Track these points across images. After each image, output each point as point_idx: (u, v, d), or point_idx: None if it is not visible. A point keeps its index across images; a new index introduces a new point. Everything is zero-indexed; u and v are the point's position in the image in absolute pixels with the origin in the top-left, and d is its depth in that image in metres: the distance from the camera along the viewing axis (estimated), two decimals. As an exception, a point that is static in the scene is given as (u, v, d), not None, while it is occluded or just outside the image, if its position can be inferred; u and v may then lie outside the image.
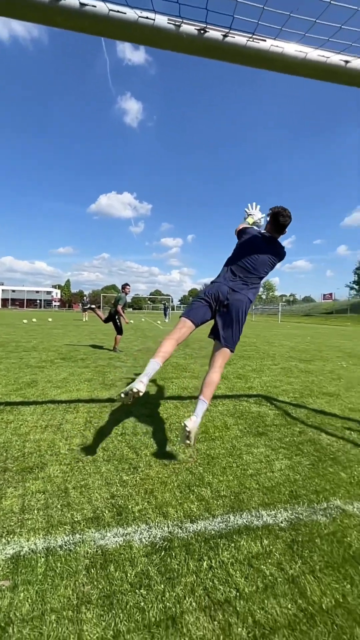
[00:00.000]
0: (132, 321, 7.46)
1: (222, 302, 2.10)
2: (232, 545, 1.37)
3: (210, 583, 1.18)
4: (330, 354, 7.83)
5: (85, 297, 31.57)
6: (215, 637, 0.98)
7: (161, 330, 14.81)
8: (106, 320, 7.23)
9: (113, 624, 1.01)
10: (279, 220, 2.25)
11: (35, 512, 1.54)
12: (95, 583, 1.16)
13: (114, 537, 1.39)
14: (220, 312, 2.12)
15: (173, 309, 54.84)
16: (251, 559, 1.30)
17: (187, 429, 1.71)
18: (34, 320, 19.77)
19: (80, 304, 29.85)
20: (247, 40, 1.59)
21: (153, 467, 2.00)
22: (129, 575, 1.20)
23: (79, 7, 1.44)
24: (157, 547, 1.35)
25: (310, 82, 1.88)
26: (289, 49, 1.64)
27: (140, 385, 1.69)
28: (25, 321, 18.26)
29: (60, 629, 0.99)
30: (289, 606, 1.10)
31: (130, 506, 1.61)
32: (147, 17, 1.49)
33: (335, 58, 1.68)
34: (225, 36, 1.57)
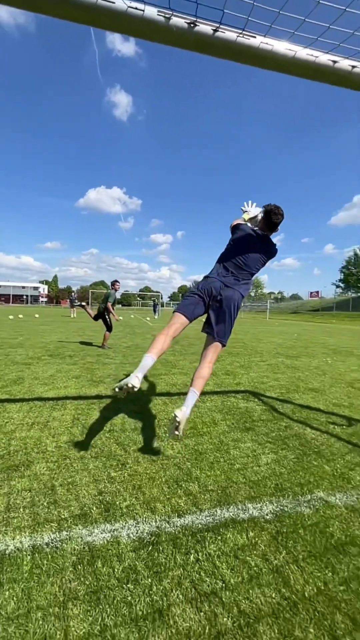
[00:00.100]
0: (121, 317, 7.39)
1: (215, 297, 2.14)
2: (219, 538, 1.39)
3: (197, 575, 1.20)
4: (316, 351, 8.01)
5: (73, 293, 31.10)
6: (201, 628, 1.00)
7: (150, 327, 14.77)
8: (96, 318, 7.15)
9: (100, 619, 1.02)
10: (271, 218, 2.29)
11: (21, 510, 1.52)
12: (82, 579, 1.16)
13: (101, 533, 1.40)
14: (213, 307, 2.16)
15: (162, 306, 54.75)
16: (237, 551, 1.32)
17: (177, 419, 1.72)
18: (21, 316, 19.35)
19: (68, 300, 29.36)
20: (237, 36, 1.58)
21: (141, 463, 2.01)
22: (116, 570, 1.21)
23: (65, -6, 1.39)
24: (145, 542, 1.36)
25: (305, 82, 1.89)
26: (279, 46, 1.65)
27: (135, 381, 1.69)
28: (11, 317, 17.85)
29: (46, 625, 0.99)
30: (273, 595, 1.13)
31: (118, 502, 1.61)
32: (136, 8, 1.46)
33: (324, 58, 1.70)
34: (215, 31, 1.55)
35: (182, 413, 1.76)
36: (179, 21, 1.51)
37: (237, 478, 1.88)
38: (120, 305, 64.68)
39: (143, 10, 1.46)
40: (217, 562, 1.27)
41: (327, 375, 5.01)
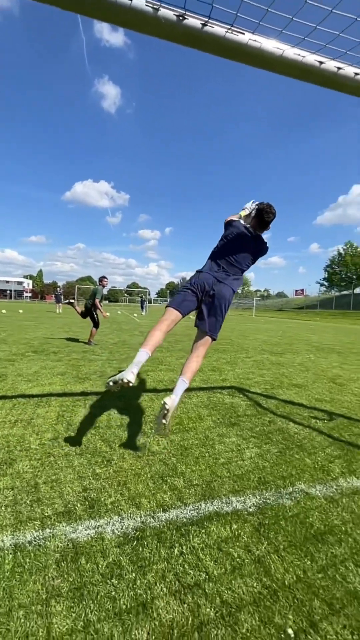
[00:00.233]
0: (108, 314, 7.31)
1: (207, 292, 2.16)
2: (203, 531, 1.41)
3: (181, 568, 1.22)
4: (300, 347, 8.20)
5: (58, 289, 30.44)
6: (184, 619, 1.02)
7: (138, 324, 14.69)
8: (84, 315, 7.04)
9: (83, 615, 1.02)
10: (263, 216, 2.33)
11: (3, 509, 1.49)
12: (65, 576, 1.16)
13: (85, 530, 1.39)
14: (205, 302, 2.19)
15: (150, 302, 54.47)
16: (220, 543, 1.35)
17: (167, 406, 1.73)
18: (4, 311, 18.80)
19: (53, 296, 28.75)
20: (226, 32, 1.57)
21: (127, 460, 2.01)
22: (100, 566, 1.21)
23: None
24: (130, 537, 1.36)
25: (296, 81, 1.90)
26: (268, 44, 1.65)
27: (131, 376, 1.69)
28: (-7, 312, 17.31)
29: (28, 623, 0.98)
30: (255, 585, 1.16)
31: (103, 499, 1.60)
32: (123, -4, 1.43)
33: (311, 58, 1.72)
34: (204, 25, 1.54)
35: (172, 401, 1.77)
36: (167, 13, 1.49)
37: (221, 472, 1.91)
38: (107, 302, 63.90)
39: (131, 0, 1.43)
40: (200, 554, 1.29)
41: (310, 371, 5.14)
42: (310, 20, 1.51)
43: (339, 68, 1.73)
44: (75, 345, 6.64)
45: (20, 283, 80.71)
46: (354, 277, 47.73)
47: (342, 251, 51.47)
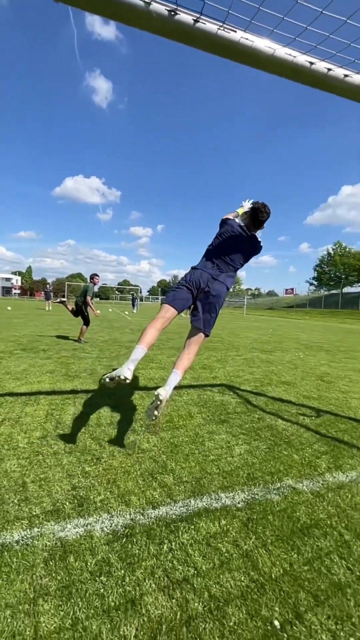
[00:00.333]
0: (99, 312, 7.24)
1: (202, 289, 2.19)
2: (192, 527, 1.43)
3: (170, 564, 1.23)
4: (289, 345, 8.31)
5: (48, 285, 29.98)
6: (173, 614, 1.03)
7: (129, 321, 14.61)
8: (75, 314, 6.95)
9: (72, 613, 1.02)
10: (257, 216, 2.36)
11: (-11, 508, 1.46)
12: (53, 575, 1.15)
13: (74, 528, 1.38)
14: (200, 299, 2.20)
15: (141, 300, 54.24)
16: (209, 539, 1.36)
17: (160, 397, 1.73)
18: (-9, 308, 18.39)
19: (43, 293, 28.29)
20: (218, 29, 1.57)
21: (116, 457, 2.00)
22: (89, 564, 1.21)
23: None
24: (119, 534, 1.36)
25: (289, 81, 1.92)
26: (259, 43, 1.65)
27: (128, 373, 1.69)
28: (-20, 309, 16.92)
29: (15, 623, 0.97)
30: (242, 579, 1.18)
31: (92, 497, 1.60)
32: (114, -11, 1.40)
33: (302, 58, 1.73)
34: (196, 21, 1.53)
35: (165, 392, 1.77)
36: (159, 7, 1.48)
37: (211, 469, 1.93)
38: (98, 299, 63.32)
39: (122, -8, 1.41)
40: (189, 550, 1.30)
41: (298, 369, 5.22)
42: (301, 20, 1.52)
43: (329, 69, 1.75)
44: (65, 342, 6.56)
45: (8, 279, 79.07)
46: (343, 276, 48.63)
47: (331, 251, 52.30)
